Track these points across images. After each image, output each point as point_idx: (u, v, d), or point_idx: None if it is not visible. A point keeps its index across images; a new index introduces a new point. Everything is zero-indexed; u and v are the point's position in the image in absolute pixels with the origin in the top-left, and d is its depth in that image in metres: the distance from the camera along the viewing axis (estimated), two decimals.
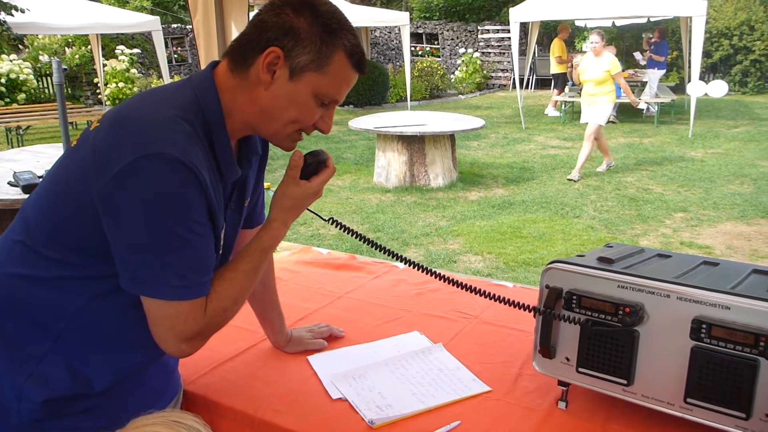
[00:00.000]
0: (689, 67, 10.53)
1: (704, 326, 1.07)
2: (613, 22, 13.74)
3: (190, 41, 15.13)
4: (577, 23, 14.11)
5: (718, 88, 13.90)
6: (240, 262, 1.11)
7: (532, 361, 1.30)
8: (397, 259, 1.27)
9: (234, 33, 2.30)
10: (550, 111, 12.08)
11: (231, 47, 1.08)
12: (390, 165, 6.85)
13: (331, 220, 1.26)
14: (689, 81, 10.31)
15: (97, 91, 13.12)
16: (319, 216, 1.26)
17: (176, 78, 13.15)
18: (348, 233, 1.26)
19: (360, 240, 1.27)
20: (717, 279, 1.21)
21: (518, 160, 8.28)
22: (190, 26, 15.10)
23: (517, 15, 10.22)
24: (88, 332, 1.06)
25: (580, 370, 1.22)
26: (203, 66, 2.34)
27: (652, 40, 12.03)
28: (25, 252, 1.05)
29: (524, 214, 5.89)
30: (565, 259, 1.28)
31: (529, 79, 15.09)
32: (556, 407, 1.29)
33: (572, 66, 12.19)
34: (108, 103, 12.57)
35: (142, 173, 0.93)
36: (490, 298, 1.27)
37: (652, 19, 12.57)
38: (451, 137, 6.84)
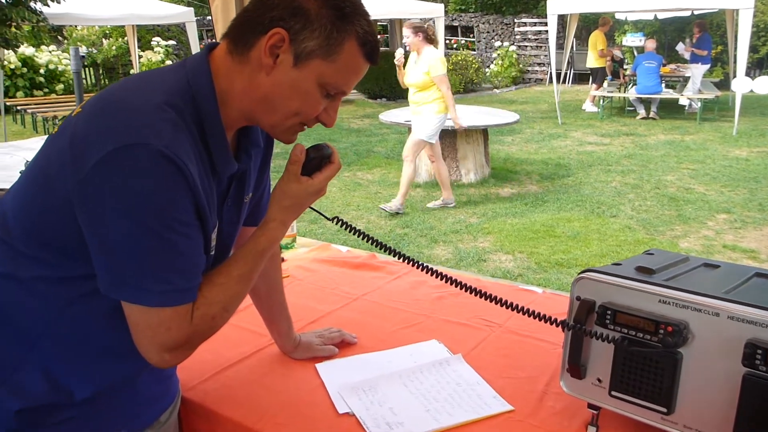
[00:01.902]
0: (735, 62, 10.12)
1: (759, 351, 0.92)
2: (655, 15, 13.33)
3: None
4: (617, 16, 13.72)
5: (765, 84, 13.36)
6: (233, 265, 1.01)
7: (559, 379, 1.17)
8: (410, 264, 1.16)
9: None
10: (588, 106, 11.77)
11: (231, 26, 0.98)
12: (420, 159, 6.70)
13: (335, 220, 1.15)
14: (734, 77, 9.92)
15: None
16: (322, 215, 1.15)
17: None
18: (354, 234, 1.14)
19: (367, 242, 1.15)
20: None
21: (553, 157, 8.06)
22: None
23: (555, 7, 9.94)
24: (67, 338, 0.97)
25: (613, 393, 1.08)
26: None
27: (694, 35, 11.61)
28: (3, 249, 0.96)
29: (558, 213, 5.70)
30: (599, 267, 1.14)
31: (566, 73, 14.76)
32: None
33: (612, 60, 11.89)
34: None
35: (121, 166, 0.84)
36: (514, 310, 1.14)
37: (696, 12, 12.13)
38: (484, 132, 6.67)
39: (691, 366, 1.01)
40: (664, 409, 1.03)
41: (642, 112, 10.76)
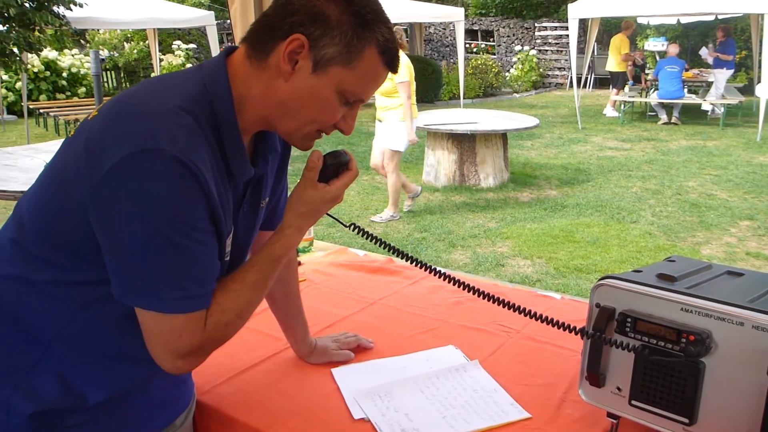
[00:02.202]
0: (759, 67, 9.96)
1: None
2: (678, 20, 13.18)
3: None
4: (639, 20, 13.59)
5: None
6: (247, 272, 1.00)
7: (578, 387, 1.15)
8: (427, 270, 1.15)
9: None
10: (609, 111, 11.66)
11: (250, 31, 0.97)
12: (439, 164, 6.70)
13: (352, 226, 1.14)
14: (759, 82, 9.76)
15: None
16: (339, 222, 1.15)
17: None
18: (371, 240, 1.13)
19: (384, 248, 1.14)
20: None
21: (573, 162, 7.99)
22: None
23: (576, 11, 9.88)
24: (81, 342, 0.97)
25: (634, 402, 1.06)
26: None
27: (718, 39, 11.46)
28: (17, 251, 0.97)
29: (578, 218, 5.65)
30: (619, 274, 1.12)
31: (587, 78, 14.65)
32: None
33: (633, 64, 11.78)
34: None
35: (136, 171, 0.83)
36: (531, 317, 1.12)
37: (720, 17, 11.97)
38: (504, 136, 6.64)
39: (714, 376, 0.98)
40: (686, 420, 1.01)
41: (664, 117, 10.64)
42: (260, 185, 1.08)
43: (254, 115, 0.97)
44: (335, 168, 1.03)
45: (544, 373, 1.39)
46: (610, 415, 1.13)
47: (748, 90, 12.17)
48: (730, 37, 11.41)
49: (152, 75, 13.08)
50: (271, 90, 0.95)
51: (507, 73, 15.91)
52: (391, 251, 1.13)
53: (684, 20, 13.16)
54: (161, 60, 12.94)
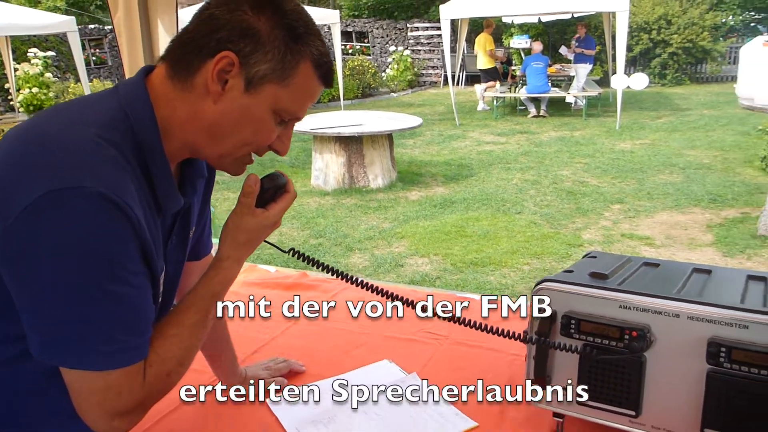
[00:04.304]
0: (613, 60, 10.81)
1: (723, 349, 0.95)
2: (539, 18, 14.00)
3: (109, 42, 14.39)
4: (504, 19, 14.31)
5: (640, 80, 14.41)
6: (185, 313, 0.91)
7: (524, 391, 1.16)
8: (367, 289, 1.11)
9: (161, 32, 2.07)
10: (481, 106, 12.18)
11: (171, 49, 0.88)
12: (328, 167, 6.65)
13: (291, 252, 1.08)
14: (613, 74, 10.59)
15: (9, 97, 12.27)
16: (277, 248, 1.08)
17: (96, 82, 12.47)
18: (315, 266, 1.08)
19: (331, 274, 1.09)
20: (718, 291, 1.11)
21: (455, 157, 8.25)
22: (109, 27, 14.38)
23: (447, 12, 10.20)
24: (5, 404, 0.85)
25: (581, 401, 1.09)
26: (127, 69, 2.10)
27: (577, 36, 12.30)
28: None
29: (466, 212, 5.82)
30: (553, 276, 1.15)
31: (459, 75, 15.19)
32: None
33: (502, 61, 12.36)
34: (22, 110, 11.77)
35: (57, 213, 0.73)
36: (479, 329, 1.12)
37: (575, 15, 12.86)
38: (389, 137, 6.71)
39: (656, 368, 1.03)
40: (633, 412, 1.05)
41: (533, 110, 11.25)
42: (188, 215, 0.99)
43: (181, 141, 0.89)
44: (273, 192, 0.97)
45: (481, 378, 1.40)
46: (555, 414, 1.15)
47: (604, 82, 13.19)
48: (588, 34, 12.30)
49: (6, 86, 12.00)
50: (199, 112, 0.86)
51: (383, 73, 16.14)
52: (340, 276, 1.09)
53: (544, 19, 14.01)
54: (16, 70, 11.87)
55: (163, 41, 2.09)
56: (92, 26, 14.66)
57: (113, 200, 0.75)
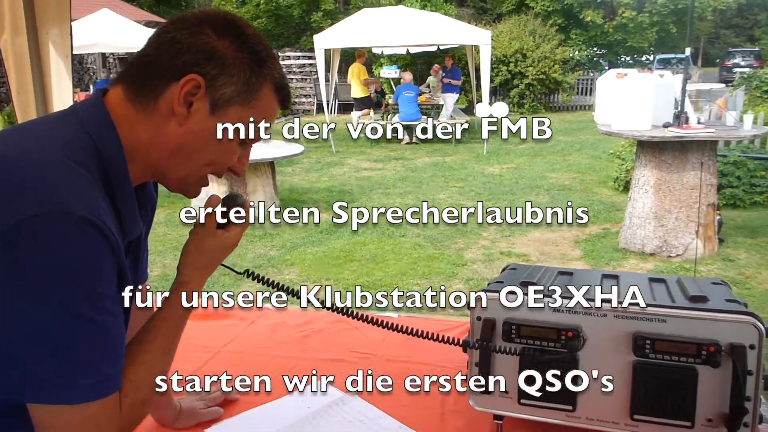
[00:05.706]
0: (477, 90, 11.50)
1: (648, 341, 1.07)
2: (407, 50, 14.62)
3: None
4: (374, 50, 14.78)
5: (500, 109, 15.30)
6: (154, 337, 0.88)
7: (467, 399, 1.22)
8: (326, 308, 1.13)
9: (52, 52, 1.96)
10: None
11: (129, 71, 0.87)
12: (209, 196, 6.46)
13: (246, 273, 1.07)
14: (478, 102, 11.26)
15: None
16: (232, 270, 1.07)
17: None
18: (270, 287, 1.08)
19: (290, 294, 1.09)
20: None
21: (336, 184, 8.34)
22: None
23: (321, 42, 10.39)
24: None
25: (523, 402, 1.17)
26: (14, 93, 1.97)
27: (444, 65, 12.96)
28: None
29: (352, 237, 5.90)
30: (490, 287, 1.23)
31: (332, 103, 15.43)
32: None
33: (377, 90, 12.73)
34: None
35: (37, 239, 0.69)
36: (415, 335, 1.17)
37: (441, 47, 13.58)
38: (271, 165, 6.67)
39: (587, 364, 1.13)
40: (570, 407, 1.14)
41: (406, 138, 11.65)
42: (139, 241, 0.96)
43: (143, 164, 0.87)
44: (232, 212, 0.96)
45: (415, 391, 1.44)
46: (496, 417, 1.22)
47: (468, 110, 13.96)
48: (455, 65, 13.00)
49: None
50: (163, 135, 0.85)
51: None
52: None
53: (412, 50, 14.64)
54: None
55: (55, 64, 1.98)
56: None
57: (96, 224, 0.73)
